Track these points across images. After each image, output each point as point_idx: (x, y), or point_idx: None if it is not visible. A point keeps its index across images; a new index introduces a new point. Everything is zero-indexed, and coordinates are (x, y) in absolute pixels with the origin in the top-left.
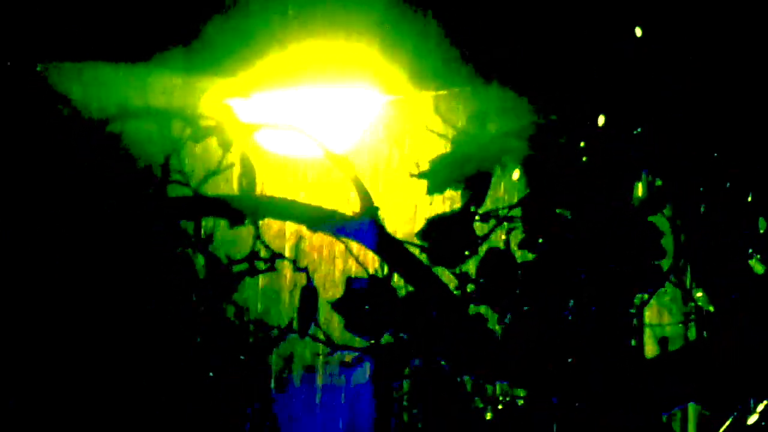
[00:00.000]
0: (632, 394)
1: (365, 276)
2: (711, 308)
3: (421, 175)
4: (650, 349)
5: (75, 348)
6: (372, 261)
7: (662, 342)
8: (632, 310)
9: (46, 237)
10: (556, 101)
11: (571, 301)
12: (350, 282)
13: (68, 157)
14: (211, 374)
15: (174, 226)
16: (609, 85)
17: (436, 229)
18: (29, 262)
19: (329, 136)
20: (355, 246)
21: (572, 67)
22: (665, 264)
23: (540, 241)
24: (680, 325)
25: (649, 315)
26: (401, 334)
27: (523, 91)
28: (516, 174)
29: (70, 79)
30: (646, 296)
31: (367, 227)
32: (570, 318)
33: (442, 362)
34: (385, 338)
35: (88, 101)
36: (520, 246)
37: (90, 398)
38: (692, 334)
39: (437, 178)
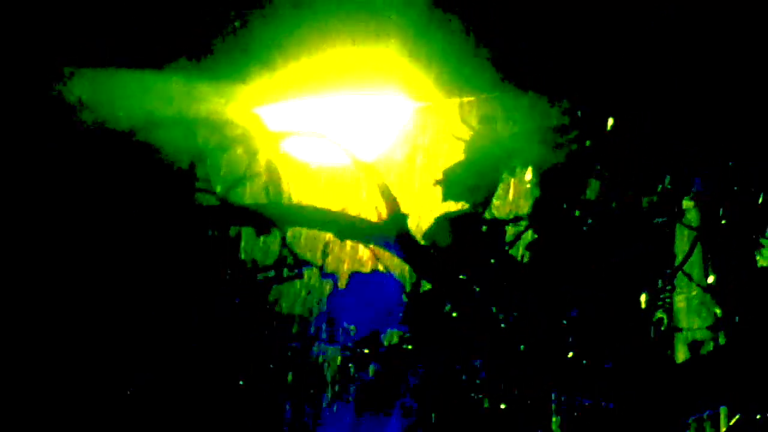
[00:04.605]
0: (660, 396)
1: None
2: (718, 311)
3: (438, 183)
4: (682, 354)
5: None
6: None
7: (692, 346)
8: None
9: (71, 244)
10: (570, 104)
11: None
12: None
13: (94, 165)
14: (240, 382)
15: (201, 234)
16: (619, 89)
17: (443, 229)
18: (53, 268)
19: (357, 143)
20: (384, 252)
21: (585, 72)
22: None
23: (548, 242)
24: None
25: (680, 319)
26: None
27: (539, 94)
28: (529, 174)
29: (96, 87)
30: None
31: (394, 234)
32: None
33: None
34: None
35: (114, 108)
36: (528, 247)
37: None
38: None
39: (452, 186)
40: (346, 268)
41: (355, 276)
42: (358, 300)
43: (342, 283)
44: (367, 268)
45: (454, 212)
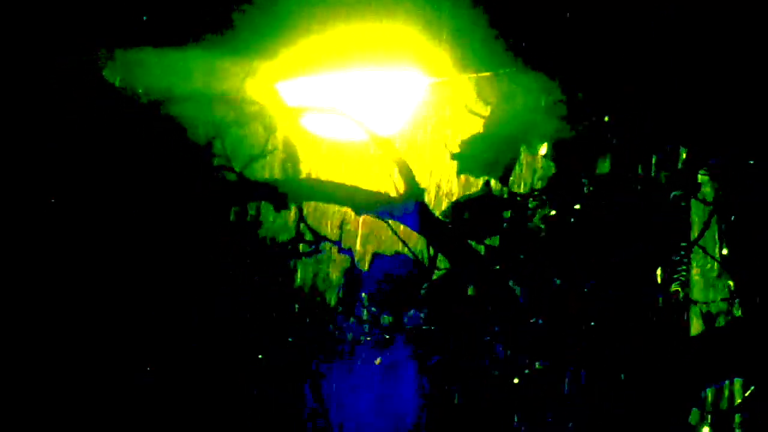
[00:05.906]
0: (675, 367)
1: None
2: (731, 282)
3: (454, 157)
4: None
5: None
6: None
7: (707, 318)
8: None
9: (92, 220)
10: (584, 79)
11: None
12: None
13: (116, 142)
14: (260, 356)
15: (221, 210)
16: (634, 62)
17: (460, 209)
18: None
19: (373, 119)
20: (401, 227)
21: (600, 46)
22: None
23: (564, 216)
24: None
25: (696, 292)
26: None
27: (555, 71)
28: (544, 149)
29: (115, 64)
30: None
31: (411, 209)
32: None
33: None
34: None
35: (132, 86)
36: (543, 221)
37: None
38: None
39: (468, 159)
40: (362, 245)
41: (374, 255)
42: (376, 278)
43: (362, 263)
44: (385, 247)
45: (474, 193)
